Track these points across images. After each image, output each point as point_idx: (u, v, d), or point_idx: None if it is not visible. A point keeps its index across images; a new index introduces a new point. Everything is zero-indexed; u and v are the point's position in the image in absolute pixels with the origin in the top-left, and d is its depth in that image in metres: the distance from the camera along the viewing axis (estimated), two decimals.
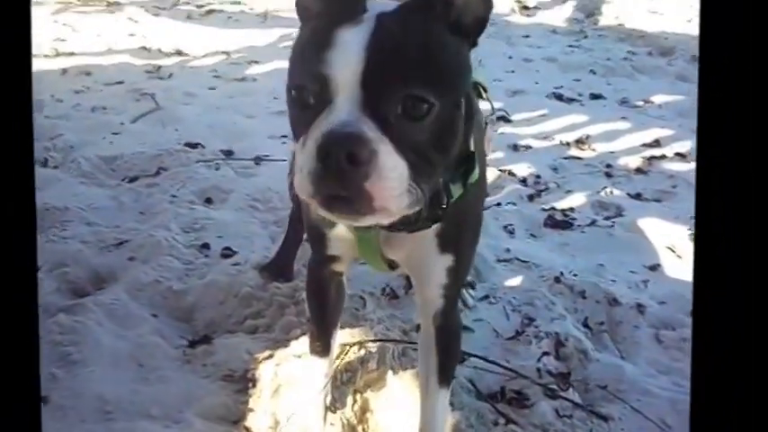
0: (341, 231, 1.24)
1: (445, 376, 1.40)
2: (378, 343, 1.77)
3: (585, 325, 2.00)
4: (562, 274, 2.19)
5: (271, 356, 1.73)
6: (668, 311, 2.07)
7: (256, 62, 4.44)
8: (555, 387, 1.71)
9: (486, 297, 2.09)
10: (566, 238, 2.47)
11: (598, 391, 1.74)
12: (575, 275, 2.20)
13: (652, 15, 6.45)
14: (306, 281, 1.51)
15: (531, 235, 2.50)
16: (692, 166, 3.12)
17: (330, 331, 1.49)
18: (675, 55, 5.01)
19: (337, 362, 1.68)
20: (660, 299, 2.13)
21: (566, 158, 3.18)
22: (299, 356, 1.69)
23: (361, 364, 1.70)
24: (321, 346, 1.49)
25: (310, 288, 1.48)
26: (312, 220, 1.28)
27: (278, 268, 2.02)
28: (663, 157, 3.20)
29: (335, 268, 1.39)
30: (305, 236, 1.70)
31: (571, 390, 1.71)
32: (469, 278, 2.15)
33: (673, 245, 2.44)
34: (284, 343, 1.78)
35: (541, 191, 2.82)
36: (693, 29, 5.96)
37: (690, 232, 2.53)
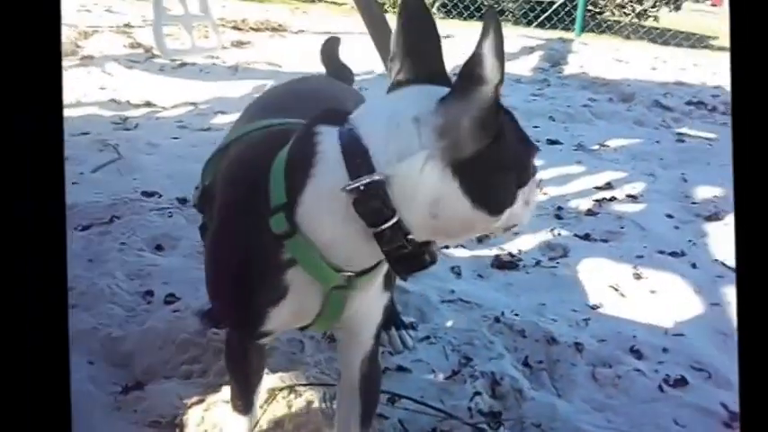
0: (303, 303, 1.14)
1: (368, 423, 1.40)
2: (309, 387, 1.77)
3: (525, 364, 2.01)
4: (503, 313, 2.21)
5: (201, 401, 1.72)
6: (607, 349, 2.09)
7: (223, 112, 4.50)
8: (485, 427, 1.71)
9: (427, 338, 2.10)
10: (510, 279, 2.49)
11: (532, 429, 1.74)
12: (516, 315, 2.22)
13: (617, 64, 6.64)
14: (225, 353, 1.41)
15: (479, 276, 2.53)
16: (642, 206, 3.20)
17: (252, 390, 1.44)
18: (635, 101, 5.15)
19: (265, 406, 1.67)
20: (600, 337, 2.15)
21: None
22: (228, 401, 1.69)
23: (290, 408, 1.70)
24: (242, 405, 1.43)
25: (232, 361, 1.41)
26: (254, 300, 1.14)
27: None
28: (613, 198, 3.27)
29: (263, 341, 1.32)
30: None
31: (502, 429, 1.72)
32: (411, 319, 2.16)
33: (616, 284, 2.48)
34: (216, 388, 1.77)
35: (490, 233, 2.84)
36: (656, 75, 6.16)
37: (634, 271, 2.57)
